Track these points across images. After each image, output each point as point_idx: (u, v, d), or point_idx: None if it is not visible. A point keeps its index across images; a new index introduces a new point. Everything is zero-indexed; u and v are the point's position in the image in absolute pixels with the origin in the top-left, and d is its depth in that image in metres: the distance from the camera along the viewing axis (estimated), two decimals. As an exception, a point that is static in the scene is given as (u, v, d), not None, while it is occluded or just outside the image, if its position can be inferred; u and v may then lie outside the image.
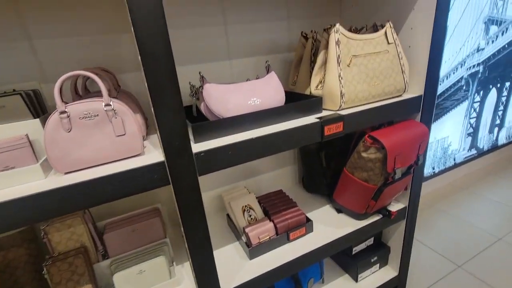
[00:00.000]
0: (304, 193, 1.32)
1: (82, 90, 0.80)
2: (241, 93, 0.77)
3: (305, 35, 1.00)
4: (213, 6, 0.98)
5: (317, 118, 0.80)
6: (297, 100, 0.83)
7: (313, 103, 0.84)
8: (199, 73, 0.81)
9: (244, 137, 0.70)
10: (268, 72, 0.86)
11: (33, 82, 0.74)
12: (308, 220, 1.03)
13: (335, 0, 1.19)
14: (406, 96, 0.95)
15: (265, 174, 1.31)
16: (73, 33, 0.82)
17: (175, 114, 0.58)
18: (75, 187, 0.55)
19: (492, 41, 1.88)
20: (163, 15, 0.52)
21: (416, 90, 0.97)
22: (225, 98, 0.75)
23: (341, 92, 0.82)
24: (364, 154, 0.90)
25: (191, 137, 0.70)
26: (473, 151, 2.26)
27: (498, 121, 2.32)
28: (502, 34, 1.90)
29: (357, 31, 0.97)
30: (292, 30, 1.15)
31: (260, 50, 1.11)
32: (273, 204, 1.09)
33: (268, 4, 1.06)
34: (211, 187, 1.21)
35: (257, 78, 0.86)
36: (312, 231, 1.03)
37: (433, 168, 2.05)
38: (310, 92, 0.91)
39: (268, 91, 0.80)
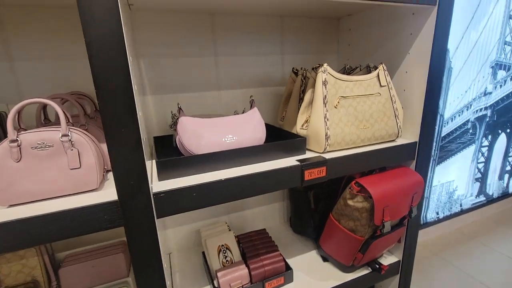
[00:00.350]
0: (291, 233, 1.22)
1: (55, 116, 0.77)
2: (217, 129, 0.72)
3: (296, 71, 0.97)
4: (206, 37, 0.97)
5: (298, 160, 0.74)
6: (282, 138, 0.78)
7: (296, 144, 0.78)
8: (178, 104, 0.77)
9: (212, 178, 0.64)
10: (251, 107, 0.83)
11: (1, 104, 0.71)
12: (288, 268, 0.93)
13: (333, 38, 1.18)
14: (399, 141, 0.89)
15: (251, 209, 1.24)
16: (55, 56, 0.81)
17: (132, 152, 0.53)
18: (9, 224, 0.50)
19: (500, 86, 1.82)
20: (124, 47, 0.48)
21: (411, 136, 0.90)
22: (199, 133, 0.70)
23: (326, 134, 0.77)
24: (350, 202, 0.83)
25: (155, 174, 0.65)
26: (482, 198, 2.13)
27: (508, 167, 2.20)
28: (511, 79, 1.84)
29: (351, 70, 0.94)
30: (286, 64, 1.13)
31: (251, 83, 1.08)
32: (252, 245, 1.00)
33: (264, 37, 1.05)
34: (191, 221, 1.14)
35: (243, 112, 0.82)
36: (291, 281, 0.93)
37: (437, 213, 1.92)
38: (296, 131, 0.86)
39: (247, 128, 0.76)
